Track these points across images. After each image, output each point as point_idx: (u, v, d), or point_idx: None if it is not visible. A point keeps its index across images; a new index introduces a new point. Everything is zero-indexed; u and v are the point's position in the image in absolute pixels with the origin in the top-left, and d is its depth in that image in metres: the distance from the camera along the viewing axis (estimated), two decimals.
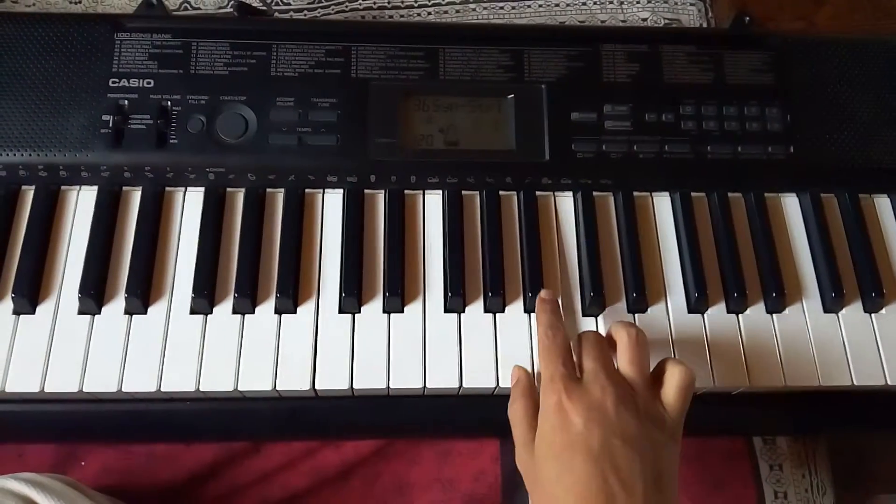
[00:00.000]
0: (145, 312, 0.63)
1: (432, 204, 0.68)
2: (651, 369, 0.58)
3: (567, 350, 0.57)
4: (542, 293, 0.63)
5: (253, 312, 0.63)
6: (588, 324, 0.64)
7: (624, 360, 0.57)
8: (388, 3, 0.94)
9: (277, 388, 0.60)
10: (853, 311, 0.67)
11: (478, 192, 0.69)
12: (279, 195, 0.68)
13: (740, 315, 0.66)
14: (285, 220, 0.66)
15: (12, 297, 0.62)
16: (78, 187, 0.67)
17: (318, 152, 0.66)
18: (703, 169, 0.69)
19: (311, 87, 0.67)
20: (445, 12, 0.94)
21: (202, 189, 0.67)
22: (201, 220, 0.66)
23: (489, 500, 0.72)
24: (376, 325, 0.63)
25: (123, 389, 0.60)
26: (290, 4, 0.94)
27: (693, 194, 0.70)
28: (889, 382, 0.64)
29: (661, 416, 0.55)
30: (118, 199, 0.67)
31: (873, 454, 0.82)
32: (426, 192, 0.69)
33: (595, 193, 0.69)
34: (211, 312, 0.63)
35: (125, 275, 0.63)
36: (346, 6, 0.94)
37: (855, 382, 0.64)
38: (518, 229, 0.68)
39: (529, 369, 0.62)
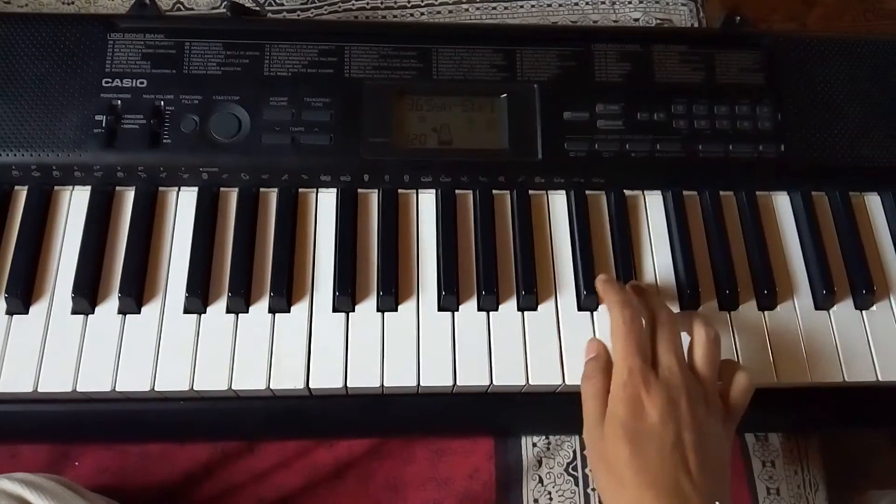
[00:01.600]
0: (139, 312, 0.63)
1: (426, 203, 0.69)
2: None
3: (644, 338, 0.58)
4: (601, 276, 0.63)
5: (247, 312, 0.63)
6: (583, 320, 0.64)
7: (700, 358, 0.58)
8: (381, 3, 0.95)
9: (271, 387, 0.60)
10: (844, 308, 0.67)
11: (471, 191, 0.69)
12: (273, 195, 0.68)
13: (732, 313, 0.66)
14: (279, 220, 0.66)
15: (5, 298, 0.62)
16: (71, 187, 0.67)
17: (311, 152, 0.66)
18: (695, 168, 0.69)
19: (305, 86, 0.67)
20: (438, 12, 0.94)
21: (195, 189, 0.67)
22: (195, 220, 0.66)
23: (483, 498, 0.72)
24: (370, 324, 0.63)
25: (117, 389, 0.60)
26: (283, 4, 0.94)
27: (685, 193, 0.70)
28: (880, 379, 0.64)
29: (725, 413, 0.57)
30: (111, 199, 0.67)
31: (865, 451, 0.82)
32: (419, 191, 0.69)
33: (588, 192, 0.69)
34: (205, 312, 0.63)
35: (119, 275, 0.63)
36: (339, 6, 0.94)
37: (846, 379, 0.64)
38: (511, 228, 0.68)
39: (523, 362, 0.62)
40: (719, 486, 0.54)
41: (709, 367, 0.58)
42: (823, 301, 0.67)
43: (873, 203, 0.72)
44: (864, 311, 0.67)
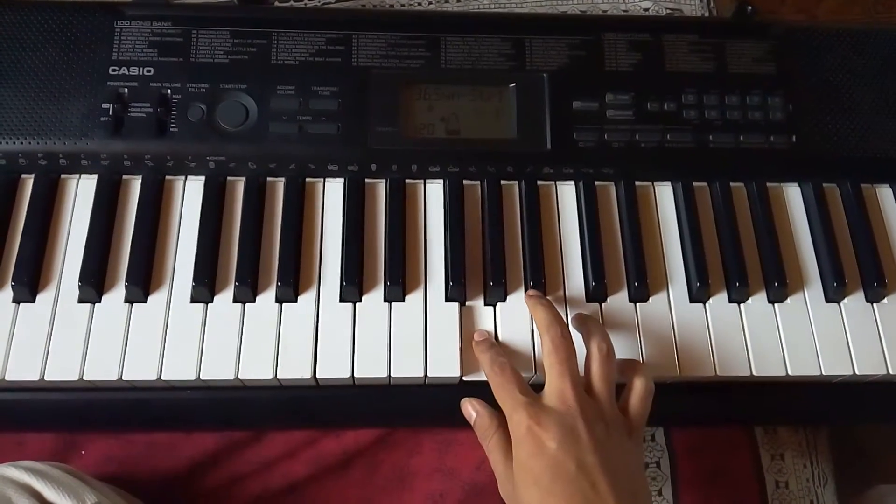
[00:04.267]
0: (146, 301, 0.62)
1: (433, 193, 0.68)
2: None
3: (519, 378, 0.57)
4: (476, 335, 0.62)
5: (254, 301, 0.63)
6: (591, 312, 0.64)
7: (594, 374, 0.57)
8: None
9: (278, 376, 0.60)
10: (855, 301, 0.67)
11: (479, 182, 0.69)
12: (280, 184, 0.67)
13: (742, 305, 0.66)
14: (286, 209, 0.66)
15: (12, 286, 0.62)
16: (78, 175, 0.67)
17: (318, 141, 0.66)
18: (705, 158, 0.69)
19: (312, 75, 0.67)
20: (446, 1, 0.93)
21: (202, 177, 0.67)
22: (202, 209, 0.66)
23: (490, 489, 0.71)
24: (377, 314, 0.63)
25: (124, 378, 0.60)
26: None
27: (695, 184, 0.70)
28: (890, 372, 0.64)
29: (627, 424, 0.56)
30: (118, 188, 0.66)
31: (874, 445, 0.82)
32: (427, 181, 0.69)
33: (597, 182, 0.69)
34: (211, 301, 0.63)
35: (125, 263, 0.63)
36: None
37: (857, 372, 0.63)
38: (519, 218, 0.67)
39: (531, 353, 0.62)
40: (635, 500, 0.53)
41: (604, 383, 0.57)
42: (834, 294, 0.66)
43: (885, 195, 0.72)
44: (875, 304, 0.66)
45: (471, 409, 0.60)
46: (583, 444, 0.53)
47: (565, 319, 0.61)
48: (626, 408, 0.57)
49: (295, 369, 0.61)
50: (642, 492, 0.55)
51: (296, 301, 0.63)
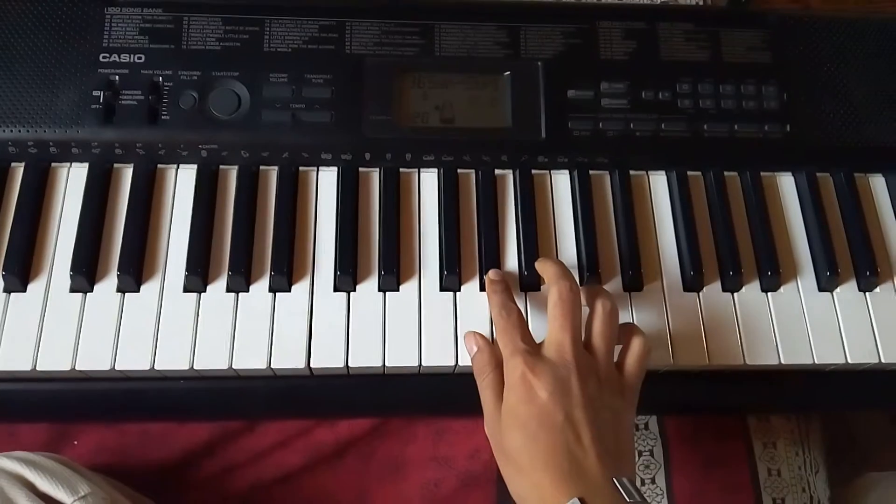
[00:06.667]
0: (138, 290, 0.62)
1: (428, 182, 0.68)
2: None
3: (523, 325, 0.58)
4: (491, 273, 0.62)
5: (247, 290, 0.63)
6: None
7: (595, 332, 0.57)
8: None
9: (272, 366, 0.60)
10: (847, 290, 0.67)
11: (473, 171, 0.68)
12: (273, 172, 0.67)
13: (735, 293, 0.66)
14: (279, 198, 0.66)
15: (3, 275, 0.61)
16: (68, 164, 0.66)
17: (311, 129, 0.65)
18: (700, 147, 0.69)
19: (305, 62, 0.66)
20: None
21: (195, 166, 0.66)
22: (194, 198, 0.65)
23: (484, 478, 0.72)
24: (372, 304, 0.63)
25: (116, 368, 0.59)
26: None
27: (689, 173, 0.69)
28: (883, 360, 0.64)
29: (622, 384, 0.57)
30: (109, 176, 0.66)
31: (866, 433, 0.82)
32: (421, 170, 0.68)
33: (591, 172, 0.69)
34: (205, 290, 0.62)
35: (117, 252, 0.63)
36: None
37: (849, 360, 0.64)
38: (514, 208, 0.67)
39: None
40: (618, 461, 0.53)
41: (603, 341, 0.57)
42: (827, 283, 0.66)
43: (878, 185, 0.72)
44: (867, 293, 0.67)
45: (473, 343, 0.59)
46: (573, 398, 0.53)
47: None
48: (622, 368, 0.58)
49: (289, 359, 0.60)
50: (627, 452, 0.55)
51: (290, 290, 0.63)
